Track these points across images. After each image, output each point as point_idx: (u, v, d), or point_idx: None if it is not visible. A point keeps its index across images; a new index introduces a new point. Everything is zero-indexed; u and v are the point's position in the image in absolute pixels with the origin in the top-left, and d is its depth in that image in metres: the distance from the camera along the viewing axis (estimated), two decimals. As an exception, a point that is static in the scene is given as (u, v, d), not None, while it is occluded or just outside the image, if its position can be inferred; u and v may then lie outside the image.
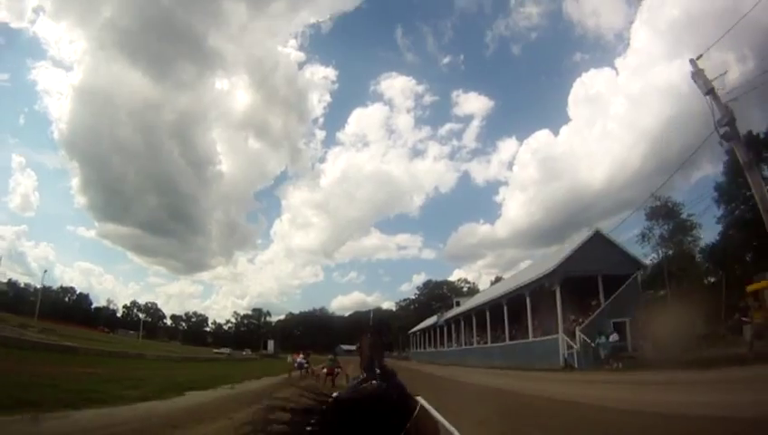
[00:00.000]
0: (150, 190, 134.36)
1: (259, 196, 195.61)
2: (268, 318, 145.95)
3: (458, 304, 63.96)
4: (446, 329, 64.71)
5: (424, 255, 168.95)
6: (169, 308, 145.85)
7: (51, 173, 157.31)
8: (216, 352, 73.55)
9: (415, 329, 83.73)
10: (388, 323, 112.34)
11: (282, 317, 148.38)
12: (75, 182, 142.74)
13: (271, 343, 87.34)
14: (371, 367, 1.89)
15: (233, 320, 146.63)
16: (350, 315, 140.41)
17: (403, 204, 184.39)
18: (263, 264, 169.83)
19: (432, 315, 77.73)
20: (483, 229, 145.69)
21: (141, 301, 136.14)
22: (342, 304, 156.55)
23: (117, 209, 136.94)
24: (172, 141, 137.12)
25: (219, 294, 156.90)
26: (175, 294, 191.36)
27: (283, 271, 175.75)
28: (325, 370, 21.35)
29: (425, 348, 77.23)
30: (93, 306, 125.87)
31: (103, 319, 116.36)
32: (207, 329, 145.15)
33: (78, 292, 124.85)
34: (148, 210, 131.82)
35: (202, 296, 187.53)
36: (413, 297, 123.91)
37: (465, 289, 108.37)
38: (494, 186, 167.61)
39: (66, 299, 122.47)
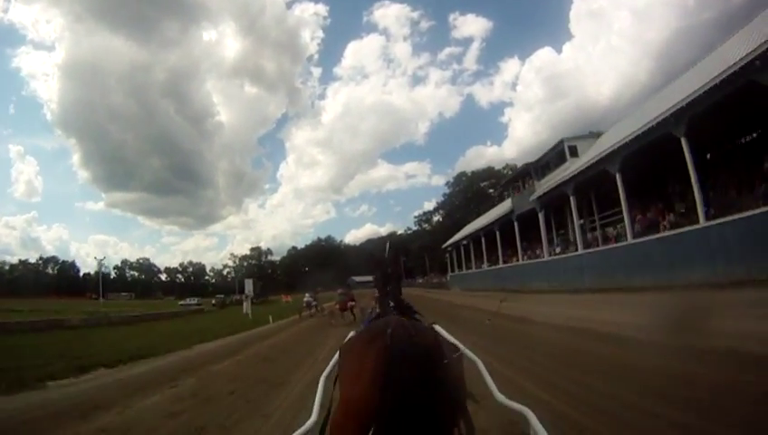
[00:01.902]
0: (152, 152, 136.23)
1: (262, 141, 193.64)
2: (270, 257, 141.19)
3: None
4: (517, 225, 37.74)
5: (433, 181, 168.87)
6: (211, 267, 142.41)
7: (50, 155, 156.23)
8: (182, 304, 62.44)
9: (457, 238, 55.58)
10: (406, 248, 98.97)
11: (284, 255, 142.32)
12: (76, 159, 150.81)
13: (249, 284, 64.36)
14: (385, 301, 3.00)
15: (231, 264, 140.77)
16: (361, 244, 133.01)
17: (408, 132, 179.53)
18: (273, 207, 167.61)
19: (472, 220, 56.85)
20: (490, 151, 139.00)
21: (158, 262, 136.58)
22: (356, 237, 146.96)
23: (121, 177, 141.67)
24: (167, 100, 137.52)
25: (234, 244, 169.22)
26: (191, 250, 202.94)
27: (295, 212, 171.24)
28: (338, 306, 20.51)
29: (470, 267, 51.24)
30: (82, 273, 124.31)
31: (92, 285, 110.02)
32: (207, 278, 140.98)
33: (61, 260, 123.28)
34: (153, 172, 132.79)
35: (217, 248, 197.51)
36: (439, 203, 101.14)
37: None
38: (498, 107, 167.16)
39: (49, 270, 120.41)
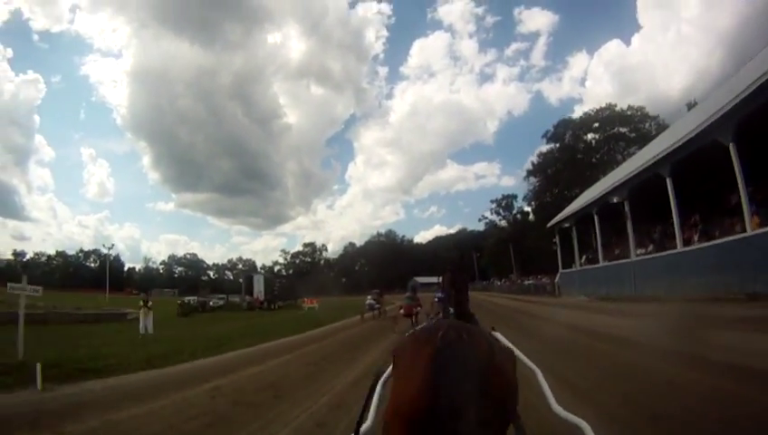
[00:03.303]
0: (220, 154, 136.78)
1: (330, 142, 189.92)
2: (324, 253, 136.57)
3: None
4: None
5: (503, 182, 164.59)
6: (259, 263, 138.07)
7: (121, 157, 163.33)
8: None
9: (573, 209, 33.51)
10: (478, 246, 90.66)
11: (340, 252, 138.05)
12: (146, 161, 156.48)
13: (259, 282, 47.47)
14: (447, 309, 2.88)
15: (281, 260, 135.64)
16: (428, 242, 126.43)
17: (477, 132, 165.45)
18: (342, 208, 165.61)
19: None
20: None
21: (222, 261, 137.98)
22: (425, 239, 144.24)
23: (191, 178, 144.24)
24: (234, 103, 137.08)
25: (303, 245, 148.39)
26: (260, 250, 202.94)
27: (364, 213, 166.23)
28: (402, 310, 18.54)
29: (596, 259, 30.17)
30: (126, 268, 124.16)
31: (137, 280, 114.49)
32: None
33: (103, 253, 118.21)
34: (222, 174, 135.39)
35: (287, 248, 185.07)
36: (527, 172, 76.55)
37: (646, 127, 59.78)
38: (568, 104, 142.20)
39: (89, 264, 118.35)
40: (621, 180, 23.35)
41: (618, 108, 62.24)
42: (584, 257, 31.07)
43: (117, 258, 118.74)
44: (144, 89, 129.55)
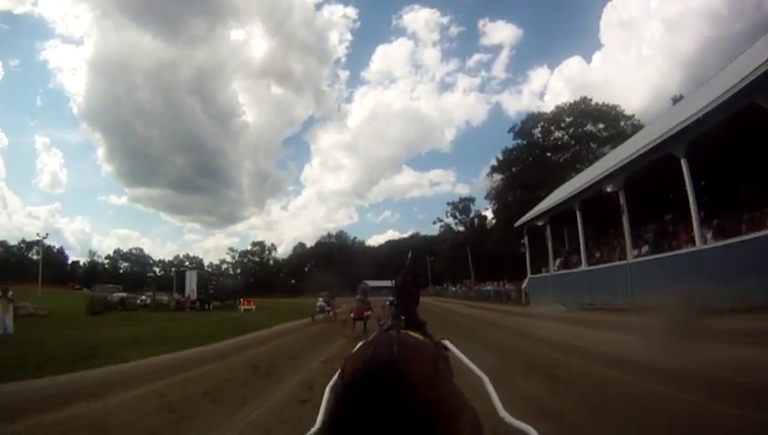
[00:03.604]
0: (176, 150, 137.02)
1: (287, 142, 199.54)
2: (274, 253, 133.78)
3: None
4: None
5: (458, 190, 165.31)
6: (207, 261, 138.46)
7: (75, 148, 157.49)
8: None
9: (544, 208, 29.66)
10: (426, 256, 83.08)
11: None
12: (101, 152, 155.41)
13: (191, 277, 41.60)
14: (398, 315, 2.78)
15: (229, 259, 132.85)
16: (380, 246, 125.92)
17: (434, 139, 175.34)
18: (296, 210, 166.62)
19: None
20: None
21: (169, 257, 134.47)
22: (378, 243, 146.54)
23: (145, 173, 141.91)
24: (193, 98, 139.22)
25: (252, 244, 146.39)
26: (212, 249, 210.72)
27: (317, 215, 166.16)
28: (352, 314, 18.00)
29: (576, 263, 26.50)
30: (71, 261, 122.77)
31: (81, 274, 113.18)
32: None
33: (47, 245, 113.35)
34: (177, 170, 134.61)
35: (239, 248, 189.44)
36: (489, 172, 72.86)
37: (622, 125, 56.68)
38: (523, 116, 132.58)
39: (31, 256, 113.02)
40: (619, 164, 19.60)
41: (593, 102, 59.50)
42: (558, 261, 27.57)
43: (61, 251, 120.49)
44: (103, 79, 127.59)
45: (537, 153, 59.84)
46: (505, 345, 12.05)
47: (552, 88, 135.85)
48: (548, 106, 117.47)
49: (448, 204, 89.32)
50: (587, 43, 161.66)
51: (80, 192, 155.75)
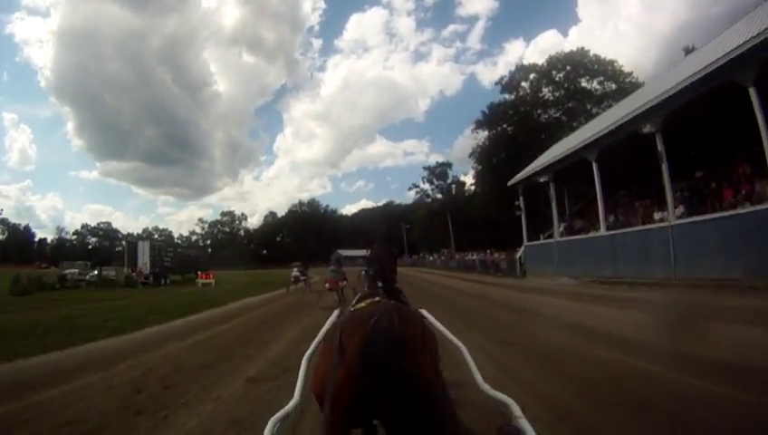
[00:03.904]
0: (147, 121, 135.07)
1: (259, 112, 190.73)
2: (245, 223, 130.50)
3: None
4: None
5: (431, 160, 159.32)
6: (178, 233, 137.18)
7: (44, 123, 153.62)
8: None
9: (555, 155, 24.92)
10: (402, 224, 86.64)
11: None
12: (70, 126, 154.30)
13: (143, 249, 36.89)
14: (375, 283, 2.89)
15: (198, 230, 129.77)
16: (354, 214, 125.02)
17: (408, 109, 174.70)
18: (269, 180, 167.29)
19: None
20: None
21: (138, 231, 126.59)
22: (351, 212, 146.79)
23: (116, 146, 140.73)
24: (163, 68, 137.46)
25: (221, 214, 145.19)
26: (185, 221, 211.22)
27: (290, 185, 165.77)
28: (327, 284, 17.86)
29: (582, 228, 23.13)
30: (37, 238, 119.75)
31: (48, 252, 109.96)
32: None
33: (11, 223, 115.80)
34: (148, 142, 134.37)
35: (229, 225, 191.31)
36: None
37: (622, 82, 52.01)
38: (501, 88, 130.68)
39: None
40: (660, 98, 15.27)
41: (591, 54, 54.77)
42: (562, 226, 23.83)
43: (27, 229, 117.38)
44: (70, 51, 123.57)
45: (526, 111, 54.86)
46: (515, 330, 9.23)
47: (528, 60, 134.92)
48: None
49: (425, 168, 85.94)
50: (564, 16, 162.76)
51: (50, 168, 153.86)
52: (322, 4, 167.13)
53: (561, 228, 23.30)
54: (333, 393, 1.83)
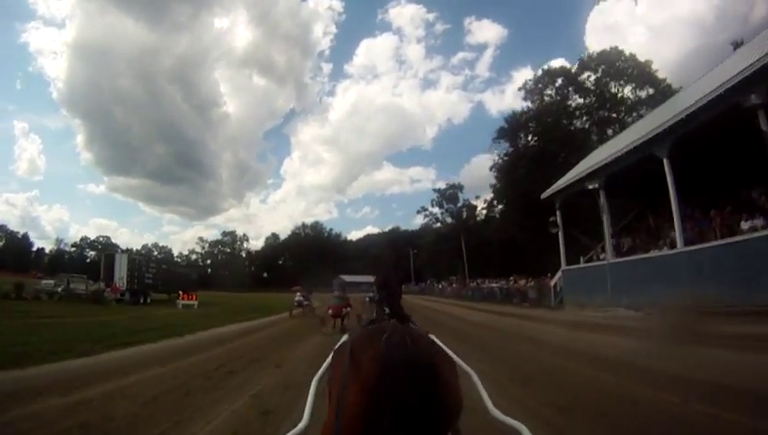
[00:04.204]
0: (156, 139, 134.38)
1: (268, 135, 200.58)
2: (246, 244, 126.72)
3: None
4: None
5: (437, 187, 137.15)
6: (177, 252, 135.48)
7: (54, 134, 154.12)
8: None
9: (612, 154, 19.54)
10: (409, 249, 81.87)
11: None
12: (80, 139, 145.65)
13: (120, 262, 33.11)
14: (382, 309, 2.86)
15: (198, 250, 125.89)
16: (359, 240, 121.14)
17: (415, 136, 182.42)
18: (275, 203, 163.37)
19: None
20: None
21: (137, 246, 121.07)
22: (356, 238, 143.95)
23: (124, 161, 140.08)
24: (174, 87, 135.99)
25: (222, 234, 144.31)
26: (189, 240, 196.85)
27: (296, 209, 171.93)
28: (330, 311, 17.39)
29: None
30: (36, 247, 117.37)
31: (46, 262, 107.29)
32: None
33: (10, 231, 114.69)
34: (156, 159, 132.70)
35: (230, 245, 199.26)
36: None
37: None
38: (524, 94, 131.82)
39: None
40: None
41: (627, 53, 49.71)
42: (609, 245, 19.37)
43: (25, 237, 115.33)
44: (84, 64, 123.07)
45: (552, 120, 49.32)
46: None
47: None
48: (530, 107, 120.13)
49: (434, 190, 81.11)
50: (572, 45, 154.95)
51: (58, 180, 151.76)
52: (334, 29, 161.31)
53: (606, 250, 19.14)
54: (345, 410, 1.76)
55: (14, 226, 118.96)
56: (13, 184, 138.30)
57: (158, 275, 37.16)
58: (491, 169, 58.53)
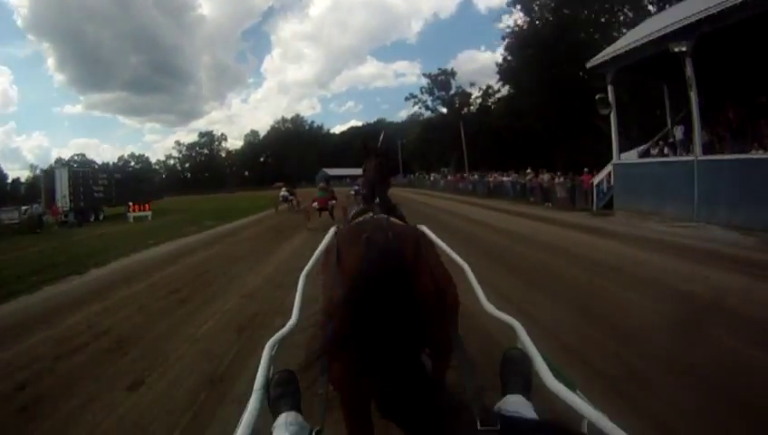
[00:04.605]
0: (130, 50, 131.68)
1: (247, 34, 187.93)
2: (224, 143, 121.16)
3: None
4: None
5: (423, 81, 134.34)
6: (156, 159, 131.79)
7: (24, 62, 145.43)
8: None
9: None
10: (396, 141, 70.50)
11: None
12: (51, 63, 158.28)
13: (61, 178, 28.06)
14: (371, 197, 2.83)
15: (175, 154, 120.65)
16: (342, 133, 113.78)
17: (400, 30, 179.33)
18: (257, 102, 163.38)
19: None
20: (484, 56, 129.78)
21: (114, 160, 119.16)
22: (340, 131, 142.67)
23: (99, 77, 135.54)
24: None
25: (199, 135, 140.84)
26: (172, 147, 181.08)
27: (279, 106, 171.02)
28: (316, 203, 17.28)
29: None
30: (11, 179, 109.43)
31: (23, 191, 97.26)
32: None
33: None
34: (131, 70, 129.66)
35: (208, 147, 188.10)
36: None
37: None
38: (497, 12, 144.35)
39: None
40: None
41: None
42: (678, 132, 14.45)
43: None
44: None
45: None
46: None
47: None
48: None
49: (424, 75, 71.85)
50: None
51: (33, 107, 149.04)
52: None
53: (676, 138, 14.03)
54: (335, 310, 1.82)
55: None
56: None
57: (109, 188, 32.00)
58: (502, 37, 48.55)
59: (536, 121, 36.36)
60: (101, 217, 29.32)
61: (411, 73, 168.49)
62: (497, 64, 50.58)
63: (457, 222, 16.12)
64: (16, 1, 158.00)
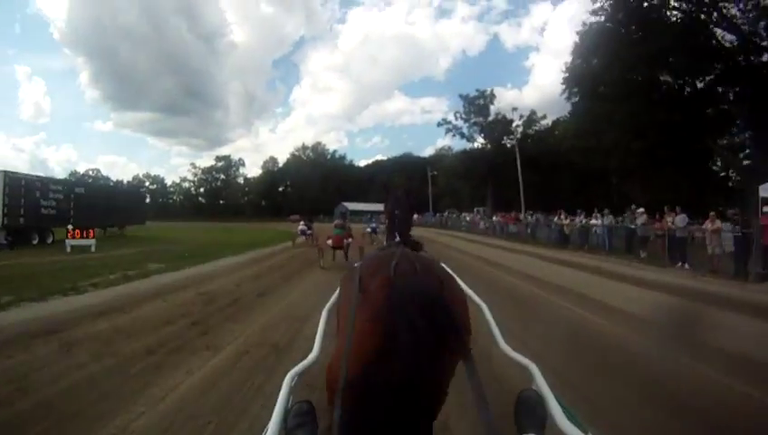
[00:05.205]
0: (162, 72, 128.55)
1: (277, 64, 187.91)
2: (242, 169, 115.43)
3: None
4: None
5: (449, 118, 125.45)
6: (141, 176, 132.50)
7: (58, 75, 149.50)
8: None
9: None
10: (425, 174, 70.89)
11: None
12: (84, 78, 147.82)
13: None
14: (392, 235, 2.73)
15: (191, 178, 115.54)
16: (367, 166, 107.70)
17: (428, 67, 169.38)
18: (284, 132, 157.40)
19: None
20: (509, 95, 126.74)
21: (129, 178, 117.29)
22: (365, 163, 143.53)
23: (131, 97, 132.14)
24: (178, 18, 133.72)
25: (216, 159, 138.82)
26: (188, 170, 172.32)
27: (305, 138, 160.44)
28: (330, 241, 16.47)
29: None
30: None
31: None
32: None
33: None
34: (163, 92, 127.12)
35: (225, 171, 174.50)
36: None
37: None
38: (524, 51, 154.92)
39: None
40: None
41: None
42: None
43: None
44: (83, 0, 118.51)
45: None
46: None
47: (552, 24, 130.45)
48: (547, 42, 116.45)
49: (460, 96, 63.70)
50: None
51: (64, 120, 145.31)
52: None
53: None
54: (355, 338, 1.72)
55: (23, 170, 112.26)
56: (19, 129, 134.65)
57: (65, 203, 25.31)
58: (564, 67, 39.24)
59: (623, 140, 27.90)
60: (50, 240, 22.79)
61: (438, 110, 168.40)
62: (563, 70, 39.42)
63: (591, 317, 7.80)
64: (53, 14, 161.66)
